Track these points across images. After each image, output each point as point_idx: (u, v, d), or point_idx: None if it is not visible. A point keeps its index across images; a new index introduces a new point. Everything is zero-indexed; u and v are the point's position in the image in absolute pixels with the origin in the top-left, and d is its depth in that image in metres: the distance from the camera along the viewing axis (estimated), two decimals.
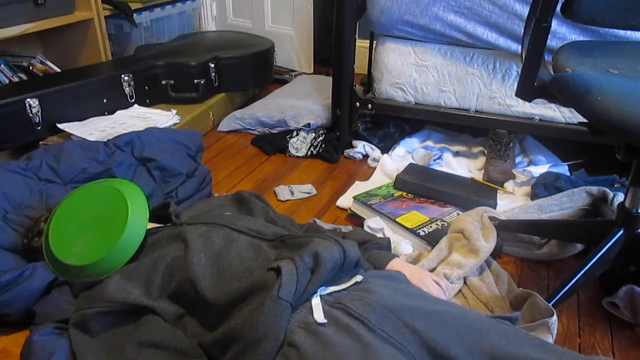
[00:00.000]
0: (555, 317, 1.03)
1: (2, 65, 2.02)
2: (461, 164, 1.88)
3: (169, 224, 1.15)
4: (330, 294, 0.92)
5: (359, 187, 1.71)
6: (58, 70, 2.18)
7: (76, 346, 0.96)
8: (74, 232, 1.09)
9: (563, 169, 1.78)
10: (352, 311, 0.86)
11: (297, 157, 1.97)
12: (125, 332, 0.97)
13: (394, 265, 1.15)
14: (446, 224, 1.44)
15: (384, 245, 1.25)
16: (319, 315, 0.86)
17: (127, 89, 2.01)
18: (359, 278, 0.95)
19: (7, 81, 2.00)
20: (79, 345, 0.96)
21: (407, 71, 1.82)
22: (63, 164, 1.43)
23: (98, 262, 1.03)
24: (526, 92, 1.10)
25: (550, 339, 1.02)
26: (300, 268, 0.90)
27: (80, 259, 1.05)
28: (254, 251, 1.01)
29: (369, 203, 1.52)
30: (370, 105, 1.89)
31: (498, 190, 1.66)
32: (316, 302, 0.89)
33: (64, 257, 1.06)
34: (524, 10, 1.58)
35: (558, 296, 1.11)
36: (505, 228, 1.39)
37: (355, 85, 1.90)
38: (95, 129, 1.80)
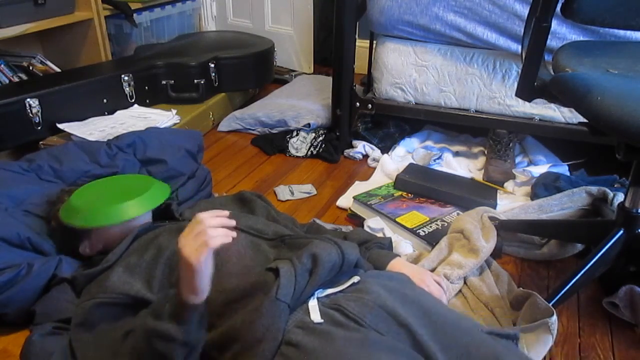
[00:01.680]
0: (555, 317, 1.03)
1: (2, 65, 2.02)
2: (461, 164, 1.88)
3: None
4: (327, 296, 0.92)
5: (359, 187, 1.71)
6: (58, 70, 2.18)
7: (75, 341, 0.96)
8: (96, 195, 1.17)
9: (563, 169, 1.78)
10: (348, 311, 0.86)
11: (297, 157, 1.96)
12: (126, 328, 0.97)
13: (395, 264, 1.15)
14: (446, 224, 1.44)
15: (385, 244, 1.25)
16: (315, 316, 0.87)
17: (127, 89, 2.01)
18: (356, 279, 0.96)
19: (7, 81, 2.00)
20: (78, 340, 0.96)
21: (407, 71, 1.82)
22: (65, 166, 1.43)
23: (113, 207, 1.11)
24: (526, 92, 1.10)
25: (551, 339, 1.02)
26: (298, 269, 0.90)
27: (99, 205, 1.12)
28: (253, 249, 1.01)
29: (369, 203, 1.52)
30: (370, 105, 1.89)
31: (498, 190, 1.66)
32: (313, 304, 0.89)
33: (79, 205, 1.12)
34: (524, 10, 1.58)
35: (558, 296, 1.11)
36: (505, 228, 1.39)
37: (355, 85, 1.90)
38: (95, 129, 1.80)
